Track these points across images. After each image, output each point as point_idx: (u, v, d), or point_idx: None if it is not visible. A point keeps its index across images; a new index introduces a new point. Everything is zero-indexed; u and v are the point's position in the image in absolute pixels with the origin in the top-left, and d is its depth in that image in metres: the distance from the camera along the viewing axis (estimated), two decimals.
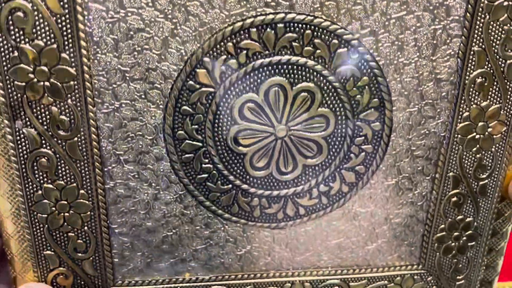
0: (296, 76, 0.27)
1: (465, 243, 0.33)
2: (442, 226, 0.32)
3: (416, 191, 0.31)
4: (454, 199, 0.32)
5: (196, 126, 0.28)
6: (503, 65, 0.28)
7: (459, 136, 0.30)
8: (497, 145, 0.30)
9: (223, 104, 0.27)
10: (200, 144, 0.28)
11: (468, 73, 0.28)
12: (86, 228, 0.29)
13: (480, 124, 0.29)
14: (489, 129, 0.29)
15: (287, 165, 0.29)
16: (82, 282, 0.31)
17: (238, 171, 0.29)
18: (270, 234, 0.31)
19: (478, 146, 0.30)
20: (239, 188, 0.30)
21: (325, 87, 0.28)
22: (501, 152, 0.30)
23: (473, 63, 0.27)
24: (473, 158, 0.30)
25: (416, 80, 0.28)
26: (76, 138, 0.27)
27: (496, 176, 0.31)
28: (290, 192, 0.30)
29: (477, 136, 0.30)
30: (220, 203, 0.30)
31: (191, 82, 0.27)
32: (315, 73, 0.27)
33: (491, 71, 0.28)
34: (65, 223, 0.29)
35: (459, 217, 0.32)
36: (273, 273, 0.32)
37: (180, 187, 0.29)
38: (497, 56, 0.27)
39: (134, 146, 0.28)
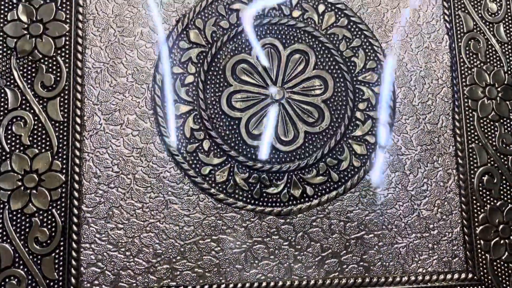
0: (288, 36, 0.27)
1: None
2: (483, 214, 0.27)
3: (439, 167, 0.27)
4: (486, 177, 0.27)
5: (187, 88, 0.26)
6: None
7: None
8: None
9: (215, 64, 0.27)
10: (190, 106, 0.26)
11: None
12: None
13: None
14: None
15: (288, 132, 0.27)
16: None
17: (233, 139, 0.26)
18: (274, 224, 0.26)
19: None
20: (235, 161, 0.26)
21: (318, 48, 0.27)
22: None
23: None
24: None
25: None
26: None
27: None
28: (294, 166, 0.26)
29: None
30: (213, 180, 0.26)
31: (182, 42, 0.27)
32: (306, 34, 0.27)
33: None
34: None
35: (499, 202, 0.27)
36: (281, 284, 0.25)
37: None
38: None
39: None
